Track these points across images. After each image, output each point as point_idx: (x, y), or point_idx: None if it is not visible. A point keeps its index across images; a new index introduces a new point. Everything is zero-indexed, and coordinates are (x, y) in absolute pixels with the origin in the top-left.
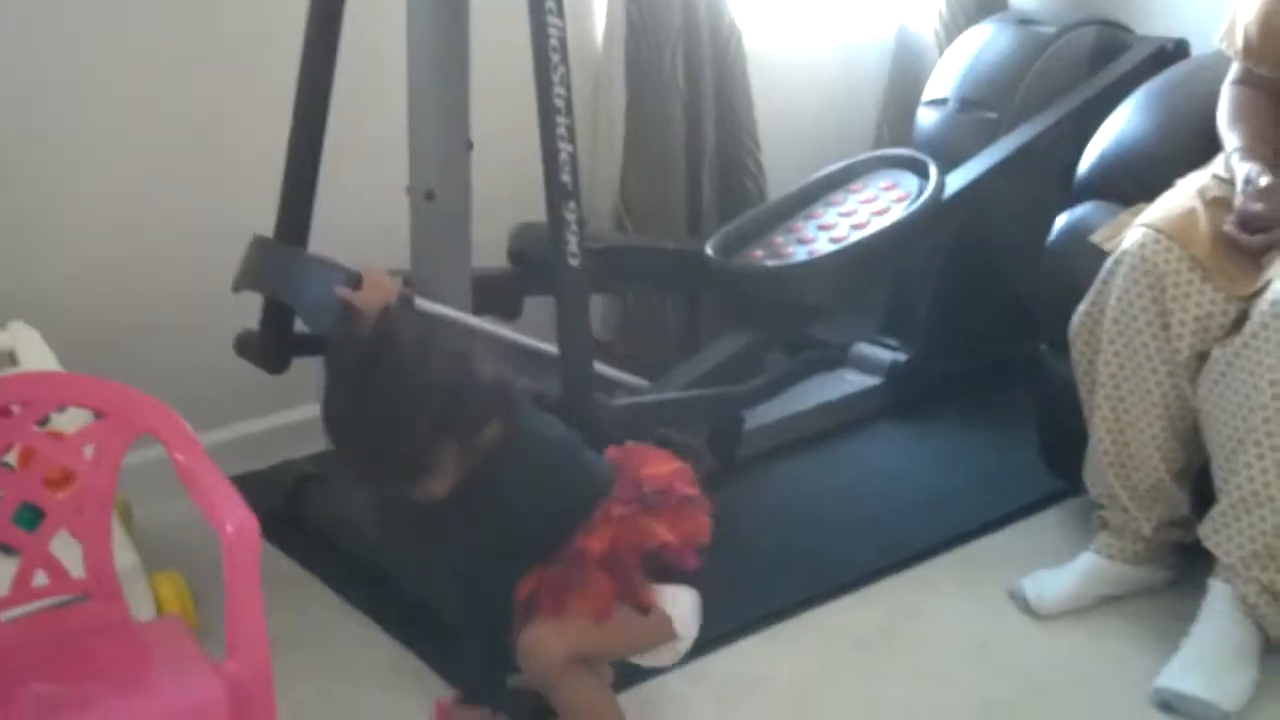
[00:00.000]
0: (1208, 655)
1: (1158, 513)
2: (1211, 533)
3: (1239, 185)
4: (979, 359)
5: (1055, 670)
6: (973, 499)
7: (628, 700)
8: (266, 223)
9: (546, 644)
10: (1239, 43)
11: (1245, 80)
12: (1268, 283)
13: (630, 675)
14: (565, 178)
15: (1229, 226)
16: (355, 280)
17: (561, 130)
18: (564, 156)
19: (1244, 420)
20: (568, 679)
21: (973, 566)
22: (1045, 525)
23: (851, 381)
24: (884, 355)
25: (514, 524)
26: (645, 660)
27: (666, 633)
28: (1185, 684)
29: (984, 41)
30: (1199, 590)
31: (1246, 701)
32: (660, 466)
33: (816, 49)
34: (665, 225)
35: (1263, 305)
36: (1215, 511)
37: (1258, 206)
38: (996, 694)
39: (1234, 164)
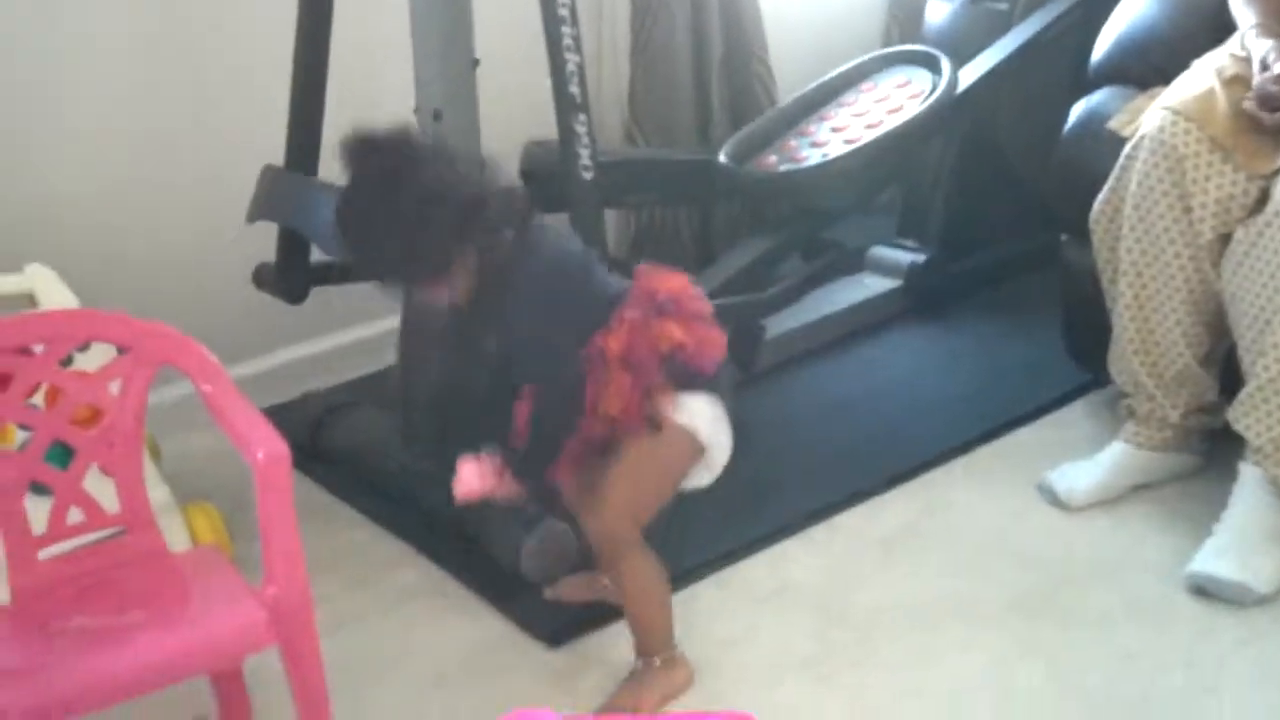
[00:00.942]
0: (1240, 539)
1: (1184, 398)
2: (1241, 415)
3: (1255, 64)
4: (998, 255)
5: (1086, 560)
6: (998, 395)
7: None
8: (279, 151)
9: (611, 520)
10: None
11: None
12: None
13: None
14: (574, 89)
15: (1249, 104)
16: None
17: (568, 41)
18: (571, 68)
19: (1269, 300)
20: (638, 558)
21: (999, 462)
22: (1072, 418)
23: (871, 285)
24: (902, 257)
25: (545, 317)
26: (687, 484)
27: (695, 446)
28: (1218, 568)
29: None
30: (1229, 475)
31: None
32: (672, 281)
33: None
34: (675, 135)
35: None
36: (1243, 394)
37: (1277, 87)
38: (1027, 586)
39: (1250, 41)
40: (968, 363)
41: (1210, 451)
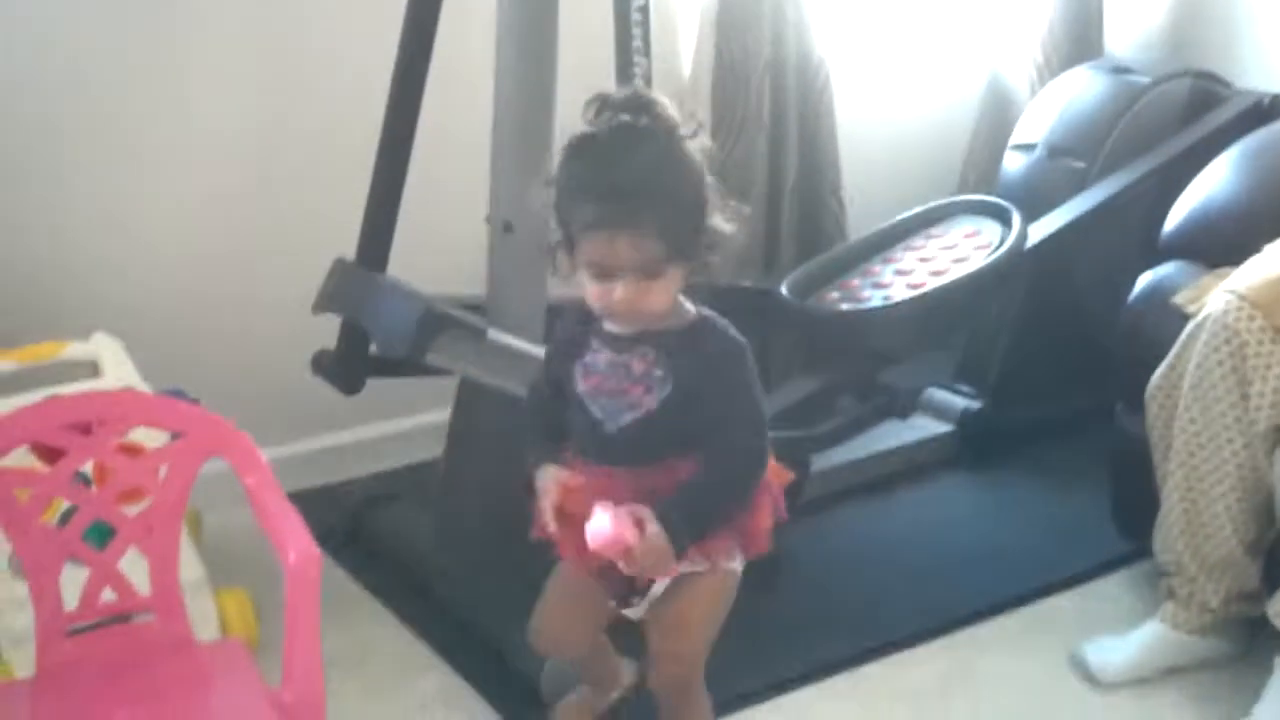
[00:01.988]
0: None
1: (1226, 584)
2: None
3: None
4: (1053, 410)
5: None
6: (1039, 556)
7: None
8: (348, 242)
9: (698, 653)
10: None
11: None
12: None
13: None
14: None
15: None
16: None
17: None
18: None
19: None
20: (703, 689)
21: (1035, 627)
22: (1112, 588)
23: (922, 427)
24: (956, 402)
25: (757, 395)
26: None
27: (734, 585)
28: None
29: (1077, 88)
30: (1264, 667)
31: None
32: None
33: (905, 87)
34: (741, 261)
35: None
36: None
37: None
38: None
39: None
40: (1011, 518)
41: (1248, 640)
